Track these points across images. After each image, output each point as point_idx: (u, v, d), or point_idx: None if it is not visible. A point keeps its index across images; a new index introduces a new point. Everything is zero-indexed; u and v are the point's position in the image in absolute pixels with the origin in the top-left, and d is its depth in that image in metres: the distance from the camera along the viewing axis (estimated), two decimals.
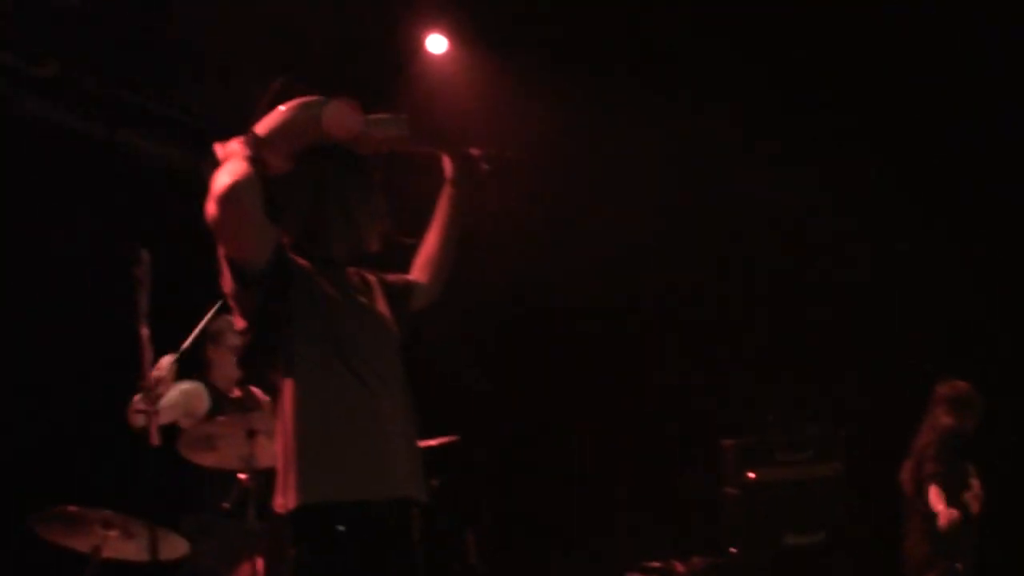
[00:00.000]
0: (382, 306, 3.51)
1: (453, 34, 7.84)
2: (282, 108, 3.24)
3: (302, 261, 3.30)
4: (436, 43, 7.86)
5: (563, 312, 8.57)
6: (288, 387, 3.21)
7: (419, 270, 3.79)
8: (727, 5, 7.39)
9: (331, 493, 3.13)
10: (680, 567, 6.65)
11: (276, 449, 3.26)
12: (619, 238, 8.06)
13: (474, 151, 3.79)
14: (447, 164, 3.81)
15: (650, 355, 8.45)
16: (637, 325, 8.56)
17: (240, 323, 3.26)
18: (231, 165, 3.10)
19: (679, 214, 8.02)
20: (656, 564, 6.64)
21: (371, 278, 3.59)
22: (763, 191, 7.76)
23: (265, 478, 4.46)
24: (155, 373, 4.28)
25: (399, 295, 3.64)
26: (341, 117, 3.28)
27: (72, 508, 4.53)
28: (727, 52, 7.53)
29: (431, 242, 3.81)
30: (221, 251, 3.16)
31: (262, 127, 3.23)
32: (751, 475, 7.35)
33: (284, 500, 3.15)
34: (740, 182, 7.85)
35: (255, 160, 3.15)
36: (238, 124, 3.33)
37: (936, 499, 6.25)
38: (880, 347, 8.08)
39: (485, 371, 7.95)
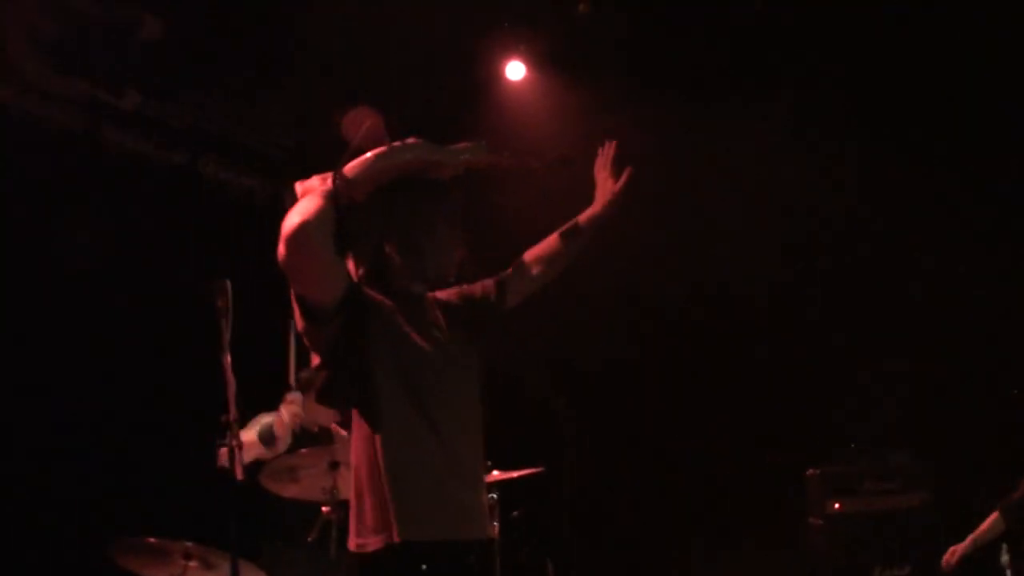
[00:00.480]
0: (461, 332, 3.42)
1: (531, 60, 7.81)
2: (370, 155, 3.25)
3: (377, 295, 3.25)
4: (515, 70, 7.83)
5: (654, 338, 8.42)
6: (365, 426, 3.18)
7: (530, 260, 3.64)
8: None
9: (415, 534, 3.07)
10: None
11: (351, 486, 3.24)
12: (707, 262, 7.98)
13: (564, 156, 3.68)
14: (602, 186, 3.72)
15: (740, 382, 8.22)
16: (728, 352, 8.34)
17: (316, 359, 3.22)
18: (303, 204, 3.09)
19: (770, 240, 7.85)
20: None
21: (452, 299, 3.51)
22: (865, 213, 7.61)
23: (347, 510, 4.36)
24: (289, 407, 4.27)
25: (484, 305, 3.54)
26: (425, 156, 3.32)
27: (152, 539, 4.49)
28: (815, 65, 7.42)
29: (556, 240, 3.65)
30: (292, 289, 3.14)
31: (351, 169, 3.22)
32: (837, 505, 7.12)
33: (360, 539, 3.13)
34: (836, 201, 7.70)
35: (336, 198, 3.14)
36: (318, 153, 3.30)
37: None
38: (975, 375, 7.76)
39: (573, 399, 7.82)
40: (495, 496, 5.77)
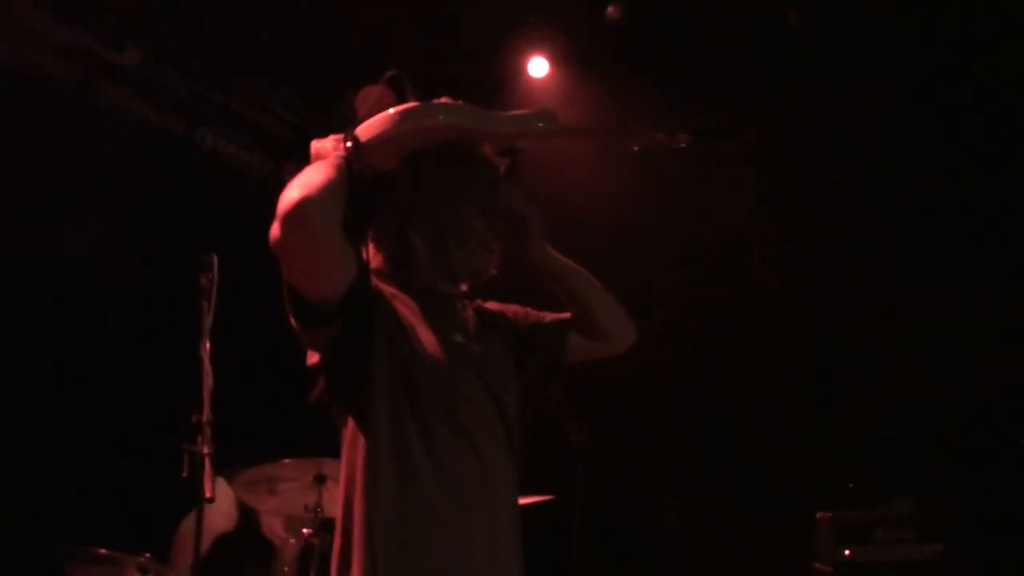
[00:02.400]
0: (499, 354, 2.67)
1: (554, 57, 7.36)
2: (393, 112, 2.46)
3: (390, 288, 2.53)
4: (538, 66, 7.36)
5: (660, 369, 7.83)
6: (359, 449, 2.46)
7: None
8: None
9: None
10: None
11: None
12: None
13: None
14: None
15: (753, 416, 7.66)
16: (740, 385, 7.79)
17: (311, 358, 2.49)
18: (307, 174, 2.34)
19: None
20: None
21: (508, 314, 2.76)
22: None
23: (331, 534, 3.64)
24: None
25: (542, 338, 2.78)
26: (468, 121, 2.54)
27: (104, 550, 3.82)
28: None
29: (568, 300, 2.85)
30: (284, 278, 2.40)
31: (367, 130, 2.46)
32: (846, 552, 6.51)
33: None
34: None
35: (349, 166, 2.40)
36: (325, 134, 2.57)
37: None
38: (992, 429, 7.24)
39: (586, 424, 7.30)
40: None
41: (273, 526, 4.33)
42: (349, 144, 2.42)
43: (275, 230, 2.29)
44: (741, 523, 7.60)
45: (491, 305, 2.76)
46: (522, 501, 4.95)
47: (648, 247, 7.46)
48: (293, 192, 2.27)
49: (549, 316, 2.81)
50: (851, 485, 7.11)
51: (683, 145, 2.86)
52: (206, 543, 3.47)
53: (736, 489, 7.64)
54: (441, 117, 2.48)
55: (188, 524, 4.13)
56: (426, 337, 2.49)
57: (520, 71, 7.33)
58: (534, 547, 5.52)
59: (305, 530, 4.02)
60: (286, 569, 4.04)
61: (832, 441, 7.39)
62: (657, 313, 7.41)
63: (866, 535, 6.58)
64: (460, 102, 2.54)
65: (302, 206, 2.24)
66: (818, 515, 6.66)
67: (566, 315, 2.80)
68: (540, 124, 2.61)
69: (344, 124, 2.55)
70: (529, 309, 2.80)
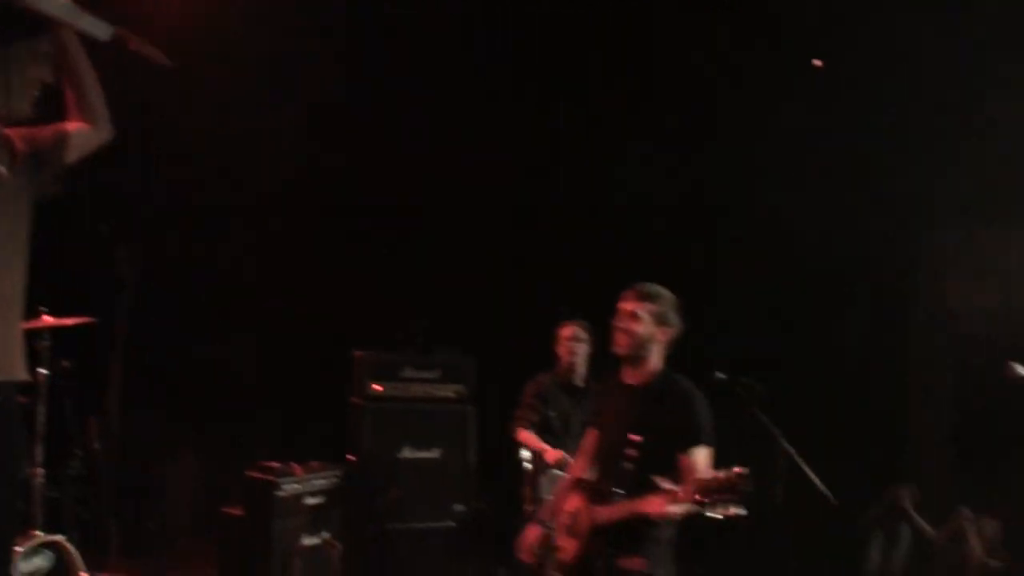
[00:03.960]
0: (25, 168, 3.13)
1: None
2: None
3: None
4: None
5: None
6: None
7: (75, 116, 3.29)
8: None
9: None
10: (298, 469, 6.32)
11: None
12: None
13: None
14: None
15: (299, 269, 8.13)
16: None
17: None
18: None
19: None
20: (275, 464, 6.28)
21: (25, 135, 3.17)
22: None
23: None
24: None
25: (54, 150, 3.19)
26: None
27: None
28: None
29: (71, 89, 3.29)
30: None
31: None
32: (377, 388, 7.14)
33: None
34: None
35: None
36: None
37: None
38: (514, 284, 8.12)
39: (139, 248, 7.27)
40: (47, 341, 5.36)
41: None
42: None
43: None
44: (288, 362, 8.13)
45: (12, 131, 3.14)
46: (65, 320, 5.20)
47: None
48: None
49: (53, 133, 3.22)
50: (400, 335, 7.64)
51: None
52: None
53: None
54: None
55: None
56: None
57: None
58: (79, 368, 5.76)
59: None
60: None
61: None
62: None
63: (396, 374, 7.28)
64: None
65: None
66: (355, 353, 7.29)
67: (64, 131, 3.23)
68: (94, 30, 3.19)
69: None
70: (34, 129, 3.22)
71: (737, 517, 3.51)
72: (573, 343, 6.44)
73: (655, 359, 4.22)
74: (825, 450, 5.58)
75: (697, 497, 3.55)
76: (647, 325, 4.17)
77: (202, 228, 7.98)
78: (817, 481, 5.51)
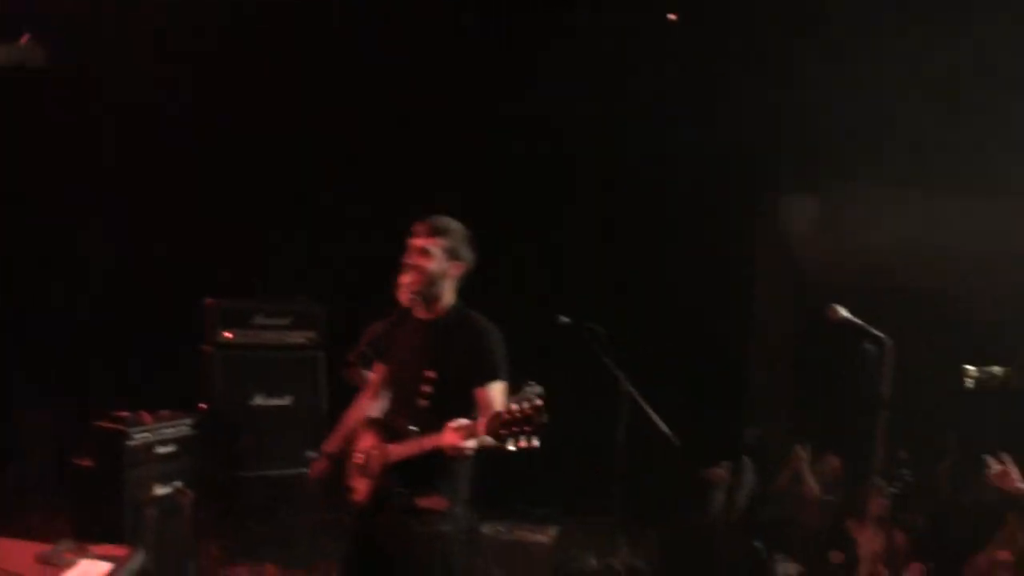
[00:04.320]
0: None
1: None
2: None
3: None
4: None
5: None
6: None
7: None
8: None
9: None
10: (148, 418, 6.23)
11: None
12: None
13: None
14: None
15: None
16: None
17: None
18: None
19: None
20: (124, 414, 6.18)
21: None
22: None
23: None
24: None
25: None
26: None
27: None
28: None
29: None
30: None
31: None
32: (228, 335, 7.07)
33: None
34: None
35: None
36: None
37: None
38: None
39: None
40: None
41: None
42: None
43: None
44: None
45: None
46: None
47: None
48: None
49: None
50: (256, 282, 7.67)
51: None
52: None
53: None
54: None
55: None
56: None
57: None
58: None
59: None
60: None
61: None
62: None
63: (247, 321, 7.17)
64: None
65: None
66: (206, 300, 7.15)
67: None
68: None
69: None
70: None
71: (532, 449, 3.51)
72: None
73: (448, 294, 4.15)
74: (668, 393, 5.67)
75: (493, 430, 3.56)
76: (439, 261, 4.09)
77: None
78: (660, 422, 5.61)
